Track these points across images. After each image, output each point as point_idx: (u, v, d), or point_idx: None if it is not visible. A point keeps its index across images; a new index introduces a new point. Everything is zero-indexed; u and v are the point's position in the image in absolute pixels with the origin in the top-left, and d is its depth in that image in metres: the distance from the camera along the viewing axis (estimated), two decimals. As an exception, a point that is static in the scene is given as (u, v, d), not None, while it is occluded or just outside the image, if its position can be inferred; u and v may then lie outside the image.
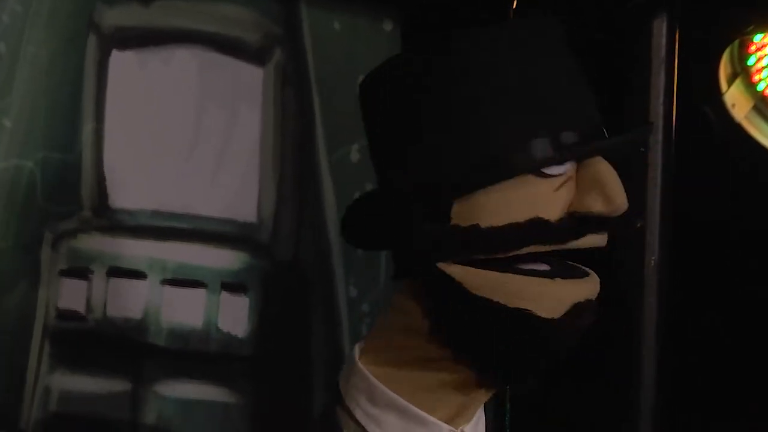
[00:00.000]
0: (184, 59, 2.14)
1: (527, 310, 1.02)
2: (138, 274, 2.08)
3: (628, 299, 1.96)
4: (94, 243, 2.06)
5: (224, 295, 2.13)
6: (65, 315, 2.04)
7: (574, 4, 2.02)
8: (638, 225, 1.95)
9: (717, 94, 1.98)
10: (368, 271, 2.24)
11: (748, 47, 1.99)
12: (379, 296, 2.23)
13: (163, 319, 2.09)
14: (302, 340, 2.19)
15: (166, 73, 2.12)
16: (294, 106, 2.21)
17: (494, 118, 1.03)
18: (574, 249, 1.06)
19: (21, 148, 2.01)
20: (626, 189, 1.07)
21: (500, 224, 1.03)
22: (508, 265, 1.04)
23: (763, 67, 1.99)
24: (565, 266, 1.07)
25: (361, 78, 1.12)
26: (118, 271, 2.07)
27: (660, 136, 1.95)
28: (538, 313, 1.02)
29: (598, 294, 1.08)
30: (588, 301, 1.05)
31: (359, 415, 1.09)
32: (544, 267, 1.05)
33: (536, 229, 1.03)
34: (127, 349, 2.07)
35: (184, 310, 2.11)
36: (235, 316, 2.14)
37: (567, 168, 1.05)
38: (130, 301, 2.08)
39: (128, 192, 2.09)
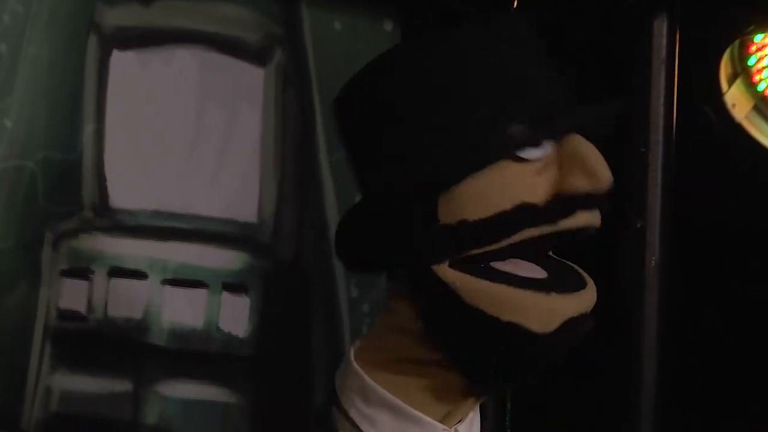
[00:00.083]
0: (184, 59, 2.14)
1: (519, 324, 1.01)
2: (139, 274, 2.08)
3: (628, 299, 1.96)
4: (94, 243, 2.06)
5: (225, 295, 2.13)
6: (66, 315, 2.04)
7: (574, 4, 2.02)
8: (638, 225, 1.95)
9: (717, 94, 1.98)
10: (369, 271, 2.24)
11: (748, 47, 1.99)
12: (380, 296, 2.23)
13: (164, 319, 2.09)
14: (303, 340, 2.19)
15: (167, 73, 2.12)
16: (295, 106, 2.21)
17: (466, 109, 1.03)
18: (567, 232, 1.05)
19: (22, 148, 2.01)
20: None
21: (488, 215, 1.03)
22: (505, 274, 1.03)
23: (764, 67, 2.00)
24: (562, 274, 1.07)
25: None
26: (118, 271, 2.07)
27: (660, 136, 1.95)
28: (530, 328, 1.02)
29: (596, 302, 1.07)
30: (582, 316, 1.04)
31: (354, 414, 1.09)
32: (541, 274, 1.05)
33: (524, 213, 1.03)
34: (128, 349, 2.07)
35: (185, 310, 2.11)
36: (235, 316, 2.14)
37: (546, 151, 1.05)
38: (131, 301, 2.08)
39: (129, 192, 2.09)
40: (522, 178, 1.04)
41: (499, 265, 1.04)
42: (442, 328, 1.05)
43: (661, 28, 1.96)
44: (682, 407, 1.99)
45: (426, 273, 1.04)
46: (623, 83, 1.98)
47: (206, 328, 2.12)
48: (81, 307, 2.05)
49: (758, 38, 1.97)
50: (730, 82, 2.00)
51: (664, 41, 1.96)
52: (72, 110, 2.06)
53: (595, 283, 1.09)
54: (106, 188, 2.07)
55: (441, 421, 1.10)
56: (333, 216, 2.21)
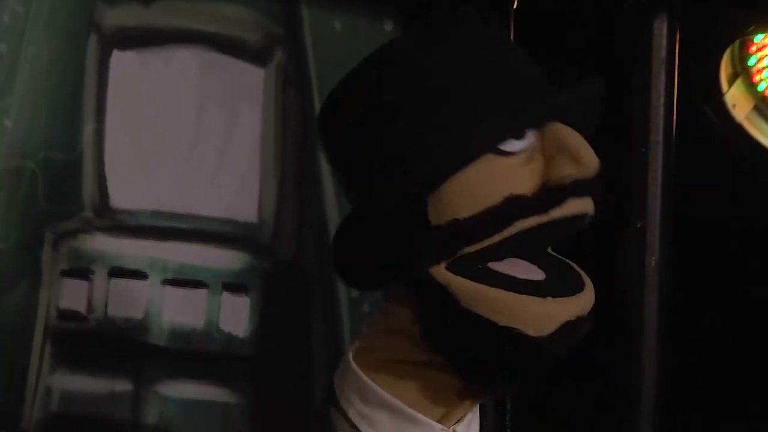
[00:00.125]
0: (184, 59, 2.14)
1: (515, 328, 1.01)
2: (139, 275, 2.08)
3: (628, 299, 1.96)
4: (95, 243, 2.06)
5: (225, 295, 2.13)
6: (66, 315, 2.04)
7: (574, 4, 2.02)
8: (638, 225, 1.95)
9: (718, 95, 1.98)
10: (369, 271, 2.23)
11: (748, 47, 1.99)
12: (379, 297, 2.22)
13: (164, 319, 2.09)
14: (303, 340, 2.19)
15: (167, 74, 2.12)
16: (295, 106, 2.21)
17: (446, 108, 1.03)
18: (561, 222, 1.05)
19: (22, 148, 2.01)
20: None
21: (477, 211, 1.02)
22: (502, 276, 1.03)
23: (764, 68, 2.00)
24: (561, 275, 1.06)
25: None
26: (119, 272, 2.07)
27: (660, 136, 1.95)
28: (526, 332, 1.02)
29: (595, 303, 1.06)
30: (579, 319, 1.04)
31: (352, 415, 1.10)
32: (540, 275, 1.05)
33: (513, 205, 1.03)
34: (128, 350, 2.07)
35: (185, 311, 2.11)
36: (236, 316, 2.14)
37: (529, 142, 1.05)
38: (131, 301, 2.08)
39: (129, 192, 2.09)
40: (507, 171, 1.04)
41: (496, 266, 1.04)
42: (439, 331, 1.05)
43: (661, 28, 1.96)
44: (682, 407, 1.99)
45: (422, 276, 1.04)
46: (623, 83, 1.98)
47: (206, 328, 2.12)
48: (81, 307, 2.05)
49: (758, 38, 1.97)
50: (731, 83, 2.00)
51: (664, 41, 1.96)
52: (72, 110, 2.05)
53: (595, 284, 1.08)
54: (106, 188, 2.07)
55: (439, 422, 1.10)
56: (333, 216, 2.21)
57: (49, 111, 2.03)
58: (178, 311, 2.10)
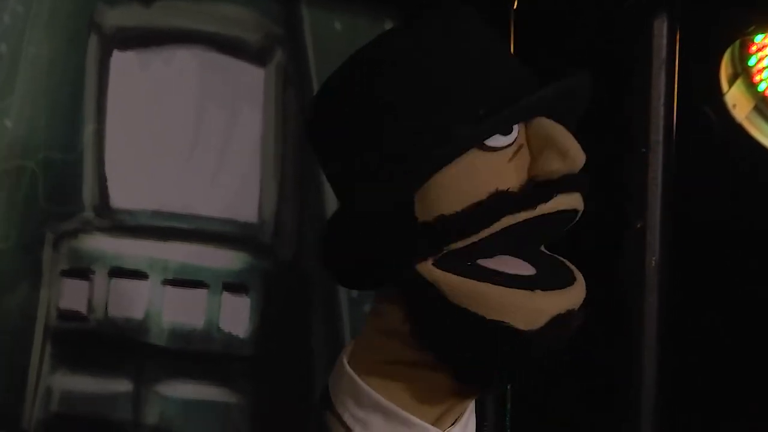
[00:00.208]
0: (184, 59, 2.14)
1: (505, 322, 1.01)
2: (139, 275, 2.09)
3: (628, 299, 1.96)
4: (95, 243, 2.07)
5: (225, 295, 2.13)
6: (67, 315, 2.04)
7: (575, 5, 2.02)
8: (638, 225, 1.95)
9: (718, 95, 1.98)
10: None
11: (749, 47, 1.99)
12: (379, 296, 2.22)
13: (165, 319, 2.10)
14: (303, 340, 2.19)
15: (167, 74, 2.12)
16: (295, 106, 2.21)
17: (429, 105, 1.03)
18: (550, 218, 1.04)
19: (22, 148, 2.01)
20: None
21: (464, 207, 1.02)
22: (490, 272, 1.03)
23: (764, 68, 1.99)
24: (551, 270, 1.06)
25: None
26: (119, 272, 2.07)
27: (660, 136, 1.96)
28: (517, 326, 1.01)
29: (585, 299, 1.06)
30: (569, 312, 1.04)
31: (347, 418, 1.09)
32: (529, 270, 1.04)
33: (500, 201, 1.02)
34: (129, 350, 2.07)
35: (186, 311, 2.11)
36: (236, 316, 2.14)
37: (514, 137, 1.05)
38: (132, 301, 2.08)
39: (129, 192, 2.09)
40: (493, 167, 1.04)
41: (485, 263, 1.04)
42: (429, 329, 1.05)
43: (661, 28, 1.96)
44: (682, 407, 1.99)
45: (411, 273, 1.04)
46: (623, 83, 1.98)
47: (207, 328, 2.12)
48: (81, 307, 2.05)
49: (758, 38, 1.97)
50: (731, 83, 2.00)
51: (664, 41, 1.96)
52: (72, 110, 2.06)
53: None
54: (106, 188, 2.07)
55: (434, 424, 1.09)
56: (333, 216, 2.21)
57: (49, 111, 2.04)
58: (178, 311, 2.10)
